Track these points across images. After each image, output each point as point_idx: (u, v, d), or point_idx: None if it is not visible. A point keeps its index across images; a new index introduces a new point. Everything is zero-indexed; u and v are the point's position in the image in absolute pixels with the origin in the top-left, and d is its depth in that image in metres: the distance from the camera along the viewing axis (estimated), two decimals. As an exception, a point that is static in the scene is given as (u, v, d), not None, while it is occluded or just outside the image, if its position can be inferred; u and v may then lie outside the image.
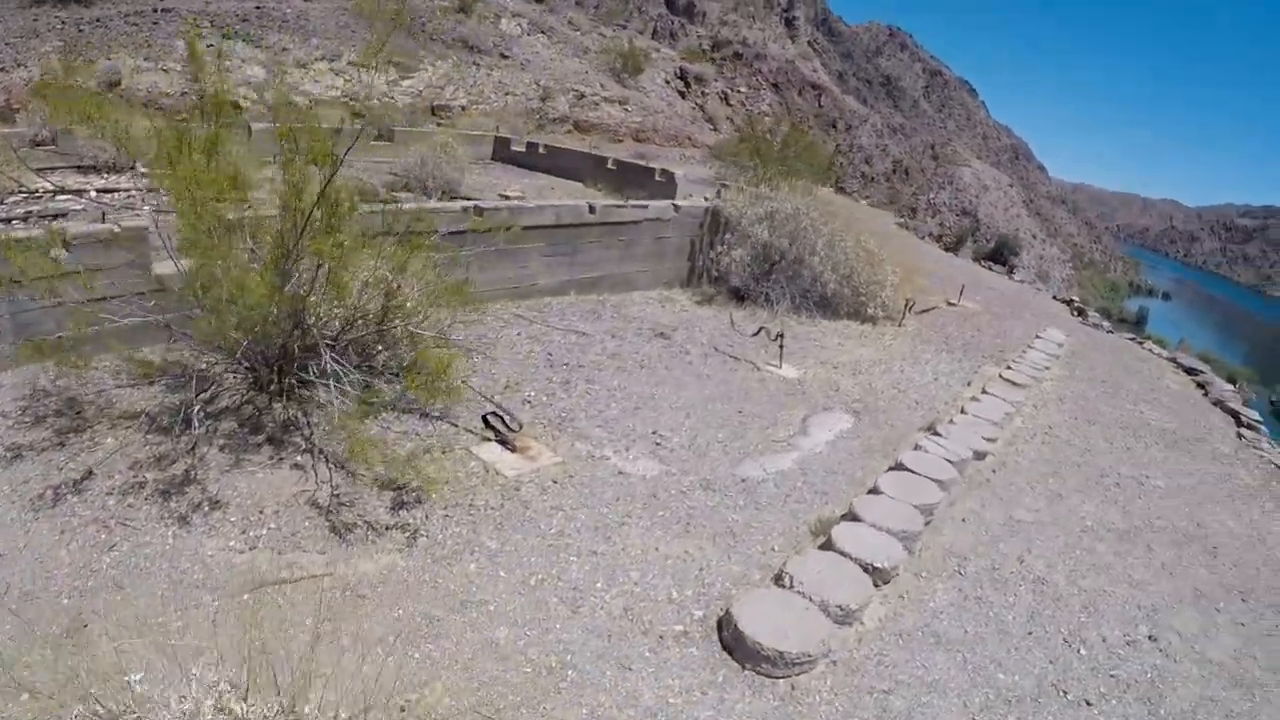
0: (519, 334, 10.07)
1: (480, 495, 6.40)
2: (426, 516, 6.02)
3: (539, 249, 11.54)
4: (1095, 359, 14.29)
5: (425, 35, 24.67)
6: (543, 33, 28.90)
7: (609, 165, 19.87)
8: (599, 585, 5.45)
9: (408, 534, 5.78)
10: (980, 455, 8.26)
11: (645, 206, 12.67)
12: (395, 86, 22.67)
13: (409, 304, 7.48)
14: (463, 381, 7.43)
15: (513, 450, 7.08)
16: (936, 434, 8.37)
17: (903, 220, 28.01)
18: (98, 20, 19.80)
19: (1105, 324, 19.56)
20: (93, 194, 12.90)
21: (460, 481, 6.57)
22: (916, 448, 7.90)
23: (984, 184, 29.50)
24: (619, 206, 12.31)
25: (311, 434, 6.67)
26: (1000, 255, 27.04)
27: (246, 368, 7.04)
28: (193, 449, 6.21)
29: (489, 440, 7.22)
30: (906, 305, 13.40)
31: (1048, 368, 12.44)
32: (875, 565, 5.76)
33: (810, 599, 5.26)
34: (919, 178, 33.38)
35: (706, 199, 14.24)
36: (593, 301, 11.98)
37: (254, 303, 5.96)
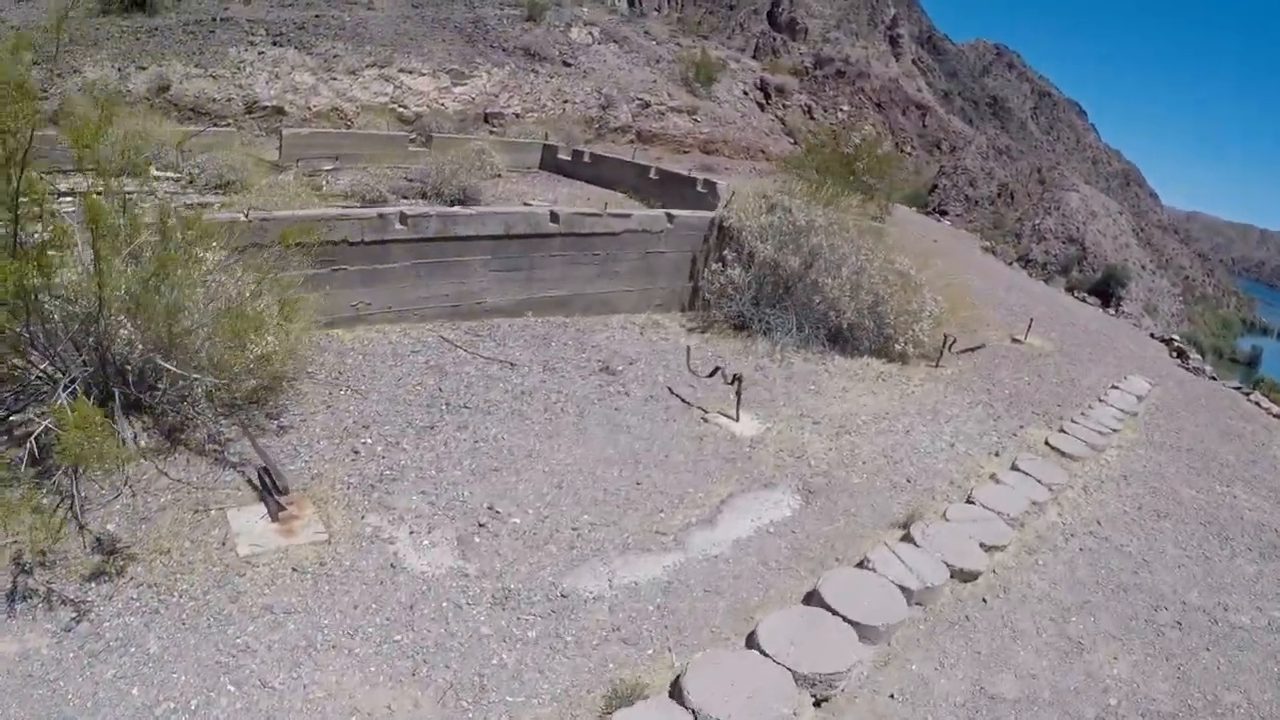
0: (425, 362, 8.00)
1: (190, 576, 4.45)
2: (111, 595, 4.26)
3: (484, 263, 9.44)
4: (1184, 418, 10.98)
5: (486, 43, 23.22)
6: (615, 42, 26.99)
7: (651, 175, 17.72)
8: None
9: (76, 613, 4.11)
10: (968, 575, 5.51)
11: (627, 216, 10.36)
12: (446, 93, 21.26)
13: (184, 325, 5.54)
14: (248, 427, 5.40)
15: (274, 519, 5.01)
16: (910, 537, 5.70)
17: (989, 245, 24.40)
18: (156, 29, 19.23)
19: (1207, 369, 15.75)
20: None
21: (183, 553, 4.59)
22: (863, 563, 5.28)
23: (1092, 210, 25.60)
24: (590, 215, 10.06)
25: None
26: (1107, 286, 23.09)
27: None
28: None
29: (260, 502, 5.20)
30: (945, 342, 10.52)
31: (1116, 430, 9.35)
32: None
33: None
34: (1024, 202, 29.64)
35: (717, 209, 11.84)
36: (553, 325, 9.77)
37: None
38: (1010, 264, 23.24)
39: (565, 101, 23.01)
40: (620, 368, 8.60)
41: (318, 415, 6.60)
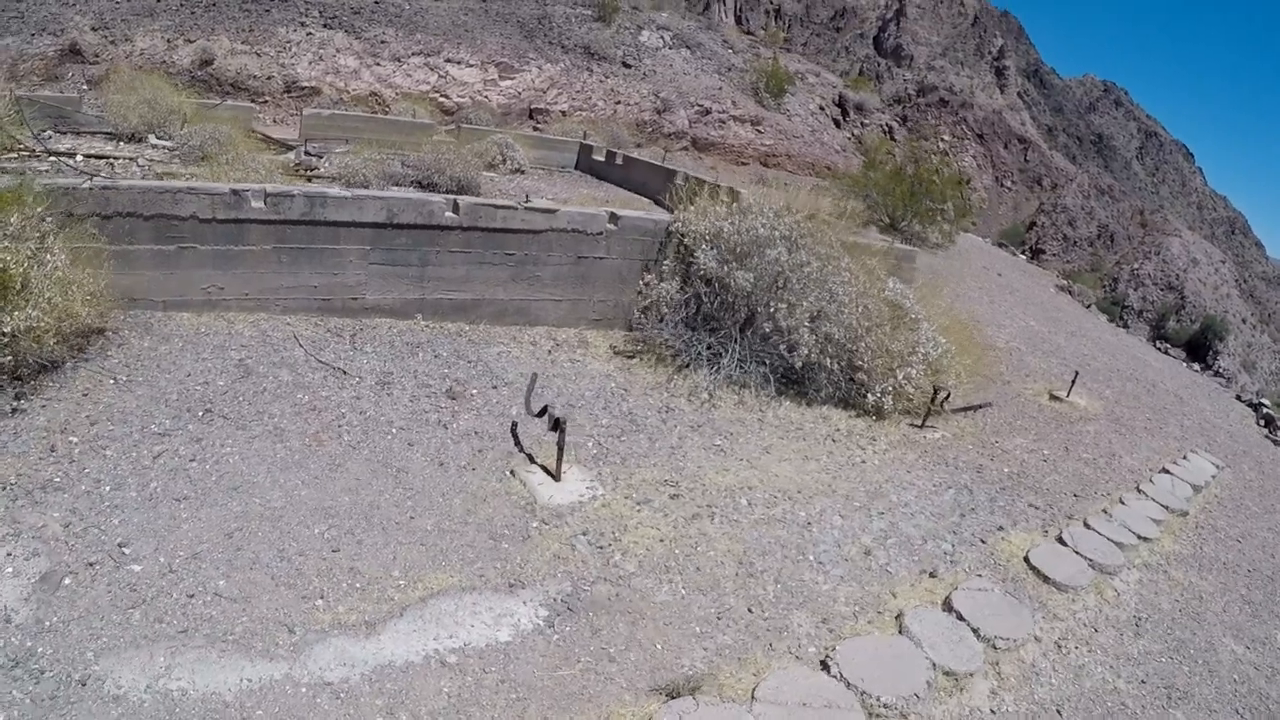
0: (238, 360, 6.14)
1: None
2: None
3: (362, 254, 7.51)
4: (1255, 518, 7.96)
5: (545, 39, 21.50)
6: (687, 48, 24.74)
7: (678, 180, 15.50)
8: None
9: None
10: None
11: (551, 213, 8.19)
12: (492, 86, 19.65)
13: None
14: None
15: None
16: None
17: (1065, 284, 20.67)
18: (214, 4, 18.49)
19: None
20: (79, 158, 10.83)
21: None
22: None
23: (1193, 257, 21.71)
24: (502, 208, 7.97)
25: None
26: (1203, 339, 19.18)
27: None
28: None
29: None
30: (936, 397, 7.86)
31: (1148, 538, 6.50)
32: None
33: None
34: (1124, 245, 25.90)
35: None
36: (444, 334, 7.72)
37: None
38: (1088, 306, 19.53)
39: (618, 102, 20.99)
40: (473, 393, 6.46)
41: (59, 404, 4.94)
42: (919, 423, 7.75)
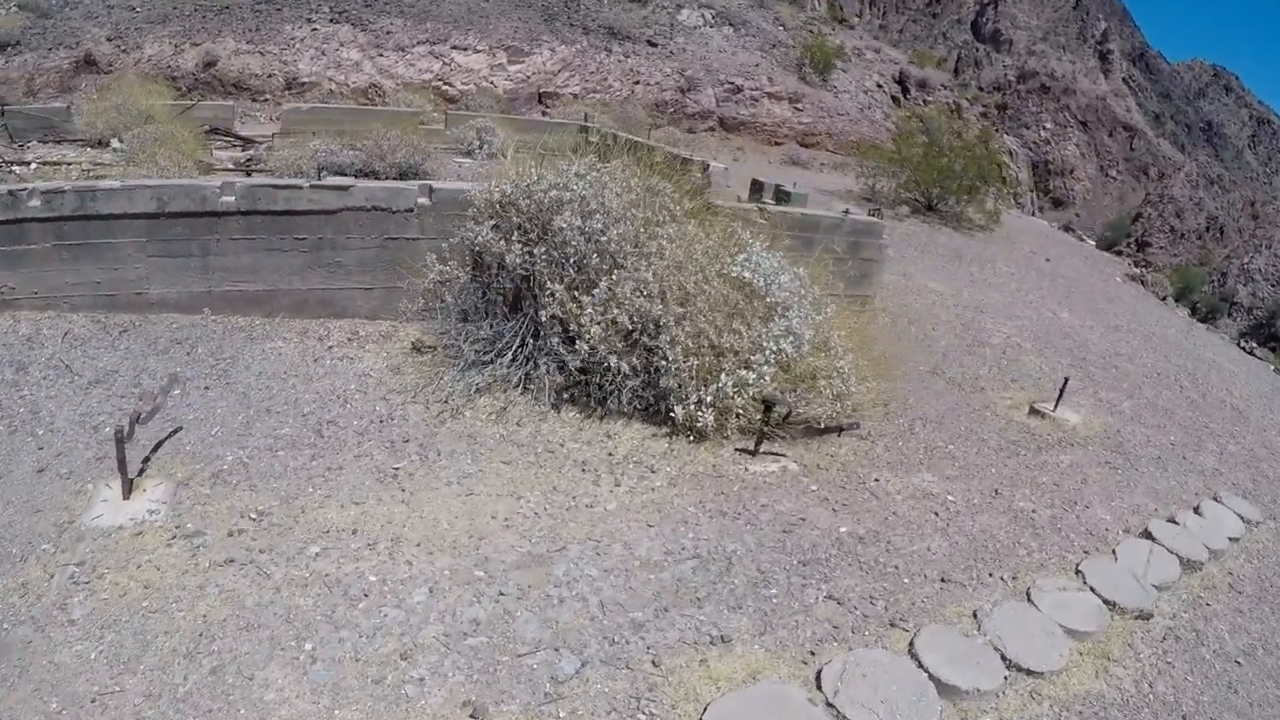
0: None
1: None
2: None
3: (139, 246, 6.71)
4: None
5: (565, 20, 20.48)
6: (731, 25, 22.94)
7: (657, 158, 14.17)
8: None
9: None
10: None
11: (345, 190, 7.15)
12: (499, 71, 18.88)
13: None
14: None
15: None
16: None
17: (1137, 274, 17.38)
18: (226, 7, 18.78)
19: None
20: (33, 166, 11.14)
21: None
22: None
23: None
24: (285, 188, 7.01)
25: None
26: None
27: None
28: None
29: None
30: (769, 414, 5.71)
31: (1038, 672, 4.11)
32: None
33: None
34: (1234, 238, 22.51)
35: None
36: (228, 328, 6.85)
37: None
38: (1164, 299, 16.32)
39: (636, 83, 19.62)
40: (176, 393, 5.61)
41: None
42: (754, 447, 5.76)
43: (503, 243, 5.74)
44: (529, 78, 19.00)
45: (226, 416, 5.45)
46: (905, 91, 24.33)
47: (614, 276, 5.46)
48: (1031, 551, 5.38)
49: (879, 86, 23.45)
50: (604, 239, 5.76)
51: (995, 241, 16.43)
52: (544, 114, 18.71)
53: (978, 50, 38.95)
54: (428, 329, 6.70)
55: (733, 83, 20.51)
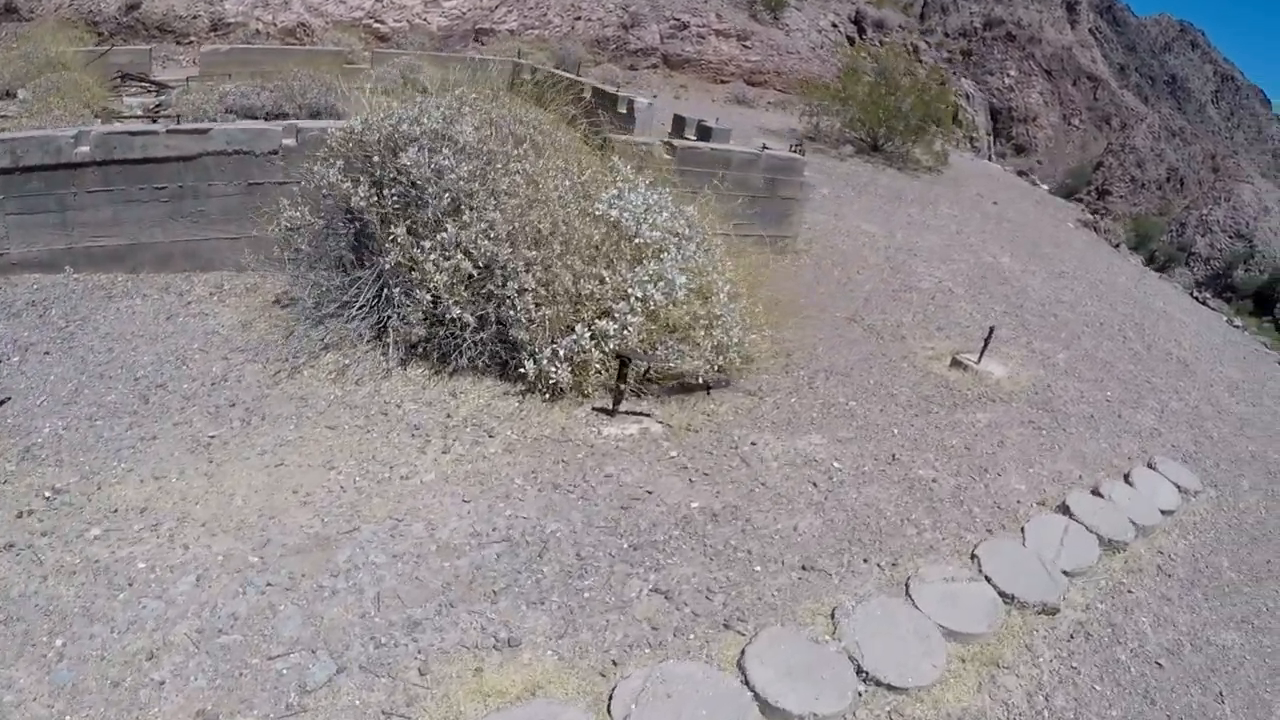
0: None
1: None
2: None
3: None
4: (1223, 609, 4.89)
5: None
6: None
7: (585, 95, 13.62)
8: None
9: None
10: None
11: (203, 133, 6.66)
12: (433, 7, 17.95)
13: None
14: None
15: None
16: None
17: (1090, 220, 17.10)
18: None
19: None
20: None
21: None
22: None
23: (1265, 205, 18.31)
24: (140, 135, 6.47)
25: None
26: (1272, 291, 15.81)
27: None
28: None
29: None
30: (624, 370, 5.18)
31: (900, 687, 3.58)
32: None
33: None
34: (1194, 190, 22.59)
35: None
36: (88, 286, 6.39)
37: None
38: (1116, 246, 16.10)
39: (577, 18, 18.74)
40: (14, 360, 5.21)
41: None
42: (610, 409, 5.24)
43: (349, 184, 5.30)
44: (465, 14, 18.07)
45: (57, 384, 5.04)
46: (861, 32, 23.53)
47: (465, 218, 5.05)
48: (923, 530, 4.77)
49: (834, 26, 22.63)
50: (451, 177, 5.32)
51: (942, 184, 16.05)
52: (478, 52, 17.88)
53: (944, -1, 38.07)
54: (296, 280, 6.29)
55: (678, 19, 19.67)
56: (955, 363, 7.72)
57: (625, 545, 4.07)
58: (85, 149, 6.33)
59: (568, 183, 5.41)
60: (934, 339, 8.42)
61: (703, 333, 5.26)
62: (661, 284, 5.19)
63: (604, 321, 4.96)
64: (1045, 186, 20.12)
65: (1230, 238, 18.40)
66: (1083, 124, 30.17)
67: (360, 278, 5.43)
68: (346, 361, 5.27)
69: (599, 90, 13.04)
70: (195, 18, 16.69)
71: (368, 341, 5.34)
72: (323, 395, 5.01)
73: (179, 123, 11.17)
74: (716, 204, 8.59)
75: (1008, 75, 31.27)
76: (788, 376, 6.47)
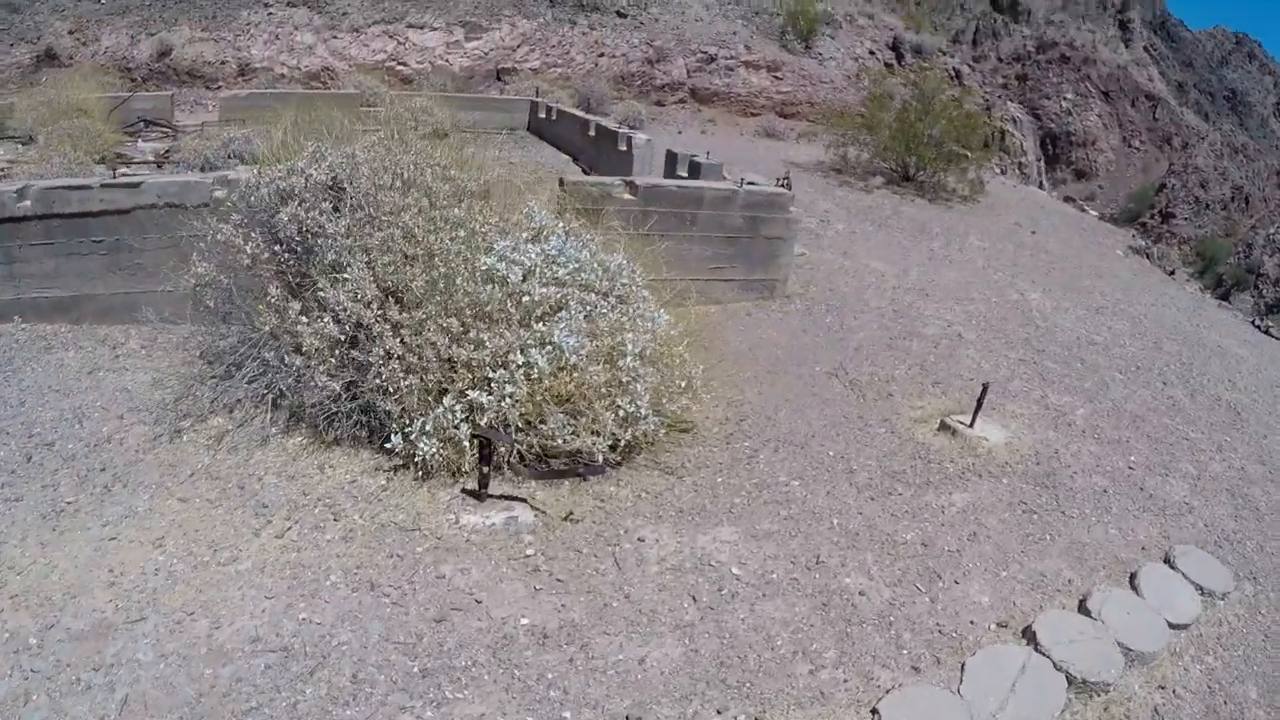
0: None
1: None
2: None
3: None
4: None
5: (530, -7, 19.55)
6: (718, -10, 21.70)
7: (590, 132, 13.45)
8: None
9: None
10: None
11: (135, 187, 6.59)
12: (456, 49, 18.14)
13: None
14: None
15: None
16: None
17: (1145, 245, 15.80)
18: (190, -5, 18.40)
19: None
20: None
21: None
22: None
23: None
24: (76, 189, 6.42)
25: None
26: None
27: None
28: None
29: None
30: (487, 450, 4.47)
31: None
32: None
33: None
34: (1260, 208, 21.02)
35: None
36: (33, 337, 6.35)
37: None
38: (1171, 273, 14.81)
39: (600, 55, 18.65)
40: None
41: None
42: (478, 493, 4.54)
43: (240, 239, 5.06)
44: (487, 54, 18.21)
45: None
46: (899, 58, 22.78)
47: (344, 276, 4.73)
48: (819, 668, 3.64)
49: (870, 53, 21.96)
50: (332, 230, 4.99)
51: (976, 213, 15.13)
52: (501, 91, 17.96)
53: (995, 21, 37.12)
54: (204, 338, 6.08)
55: (706, 52, 19.37)
56: (944, 426, 6.66)
57: (415, 669, 3.43)
58: (27, 203, 6.34)
59: (462, 233, 5.02)
60: (926, 396, 7.40)
61: (604, 403, 4.70)
62: (548, 348, 4.67)
63: (476, 392, 4.48)
64: (1094, 213, 18.86)
65: (1299, 258, 16.89)
66: (1143, 145, 28.62)
67: (254, 339, 5.15)
68: (229, 426, 4.97)
69: (602, 128, 12.80)
70: (223, 63, 17.28)
71: (256, 405, 5.04)
72: (191, 463, 4.70)
73: (161, 167, 11.43)
74: (687, 247, 8.08)
75: (1064, 99, 30.05)
76: (726, 449, 5.63)
